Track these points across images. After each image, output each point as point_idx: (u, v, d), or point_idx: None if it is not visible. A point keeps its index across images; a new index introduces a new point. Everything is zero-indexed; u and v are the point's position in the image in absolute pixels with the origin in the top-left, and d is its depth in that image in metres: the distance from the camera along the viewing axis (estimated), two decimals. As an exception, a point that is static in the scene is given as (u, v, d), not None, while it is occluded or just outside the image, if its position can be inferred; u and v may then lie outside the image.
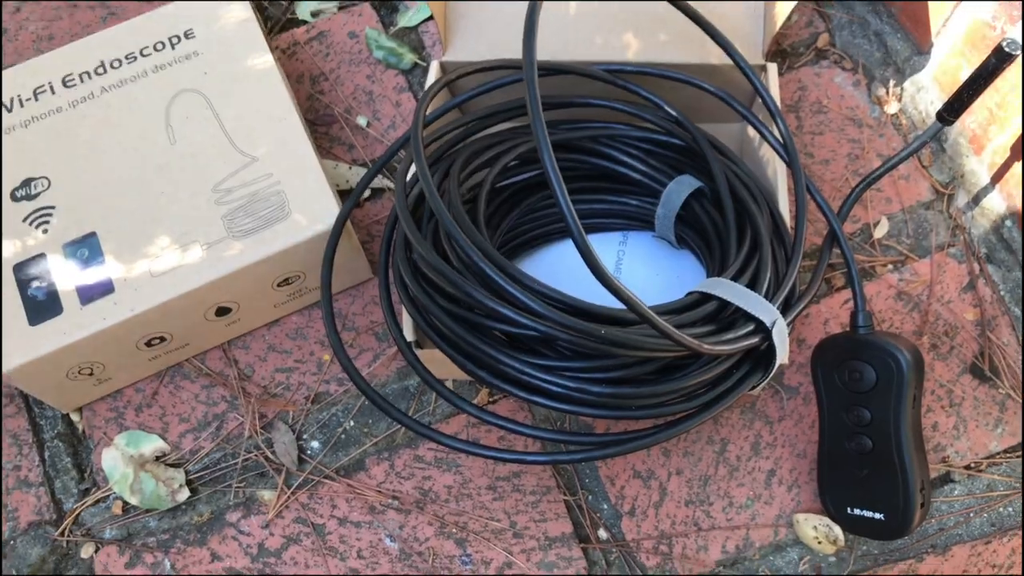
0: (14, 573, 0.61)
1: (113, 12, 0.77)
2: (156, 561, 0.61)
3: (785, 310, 0.51)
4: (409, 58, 0.74)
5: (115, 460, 0.63)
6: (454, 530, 0.61)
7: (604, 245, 0.63)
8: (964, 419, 0.61)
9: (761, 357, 0.50)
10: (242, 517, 0.62)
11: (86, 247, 0.59)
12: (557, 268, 0.62)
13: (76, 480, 0.63)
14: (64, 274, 0.58)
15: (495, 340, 0.49)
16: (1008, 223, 0.63)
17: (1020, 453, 0.61)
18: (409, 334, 0.54)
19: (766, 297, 0.50)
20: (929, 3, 0.67)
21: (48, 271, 0.58)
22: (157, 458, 0.63)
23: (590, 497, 0.62)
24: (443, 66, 0.64)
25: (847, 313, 0.64)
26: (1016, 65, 0.55)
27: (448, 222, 0.45)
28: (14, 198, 0.60)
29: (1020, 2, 0.57)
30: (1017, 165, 0.61)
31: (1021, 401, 0.61)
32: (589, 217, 0.62)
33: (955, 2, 0.63)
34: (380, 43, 0.74)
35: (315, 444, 0.63)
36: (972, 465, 0.61)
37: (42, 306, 0.57)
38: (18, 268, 0.58)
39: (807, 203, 0.55)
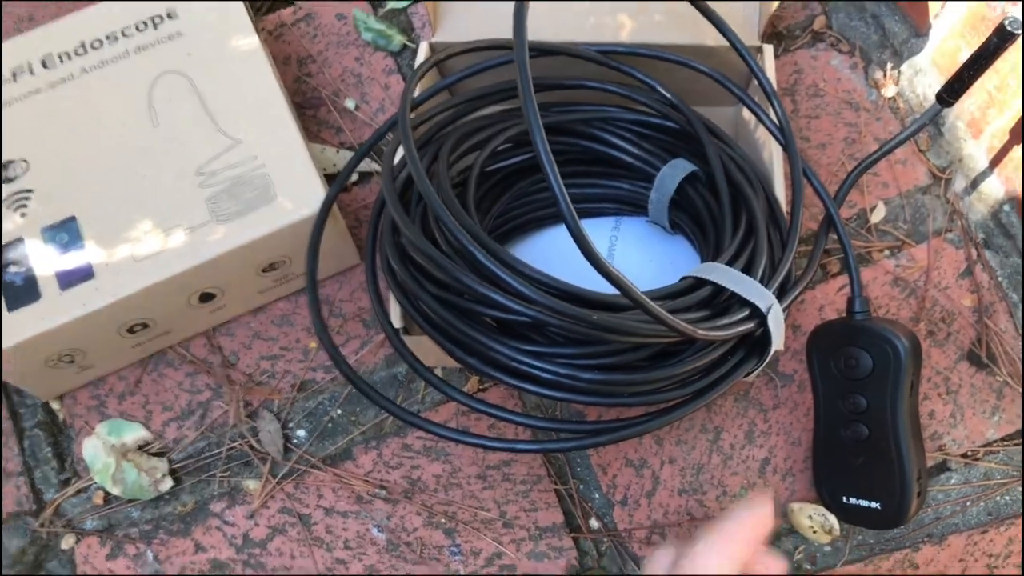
0: (-6, 564, 0.60)
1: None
2: (138, 552, 0.60)
3: (781, 295, 0.49)
4: (398, 40, 0.73)
5: (96, 449, 0.61)
6: (443, 520, 0.60)
7: (597, 230, 0.62)
8: (961, 407, 0.61)
9: (756, 343, 0.49)
10: (226, 507, 0.61)
11: (65, 231, 0.57)
12: (549, 254, 0.61)
13: (56, 470, 0.62)
14: (43, 259, 0.56)
15: (485, 326, 0.48)
16: (1006, 208, 0.62)
17: (1018, 441, 0.60)
18: (397, 321, 0.53)
19: (761, 282, 0.49)
20: (927, -16, 0.66)
21: (26, 256, 0.56)
22: (140, 447, 0.62)
23: (581, 486, 0.61)
24: (432, 47, 0.62)
25: (843, 299, 0.63)
26: (1016, 46, 0.54)
27: (436, 204, 0.44)
28: (-9, 181, 0.59)
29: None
30: (1016, 149, 0.60)
31: (1021, 389, 0.61)
32: (581, 202, 0.61)
33: (954, -17, 0.62)
34: (368, 24, 0.73)
35: (301, 433, 0.62)
36: (969, 453, 0.60)
37: (20, 292, 0.56)
38: (-5, 253, 0.57)
39: (803, 187, 0.54)
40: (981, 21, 0.60)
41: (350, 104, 0.71)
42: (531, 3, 0.41)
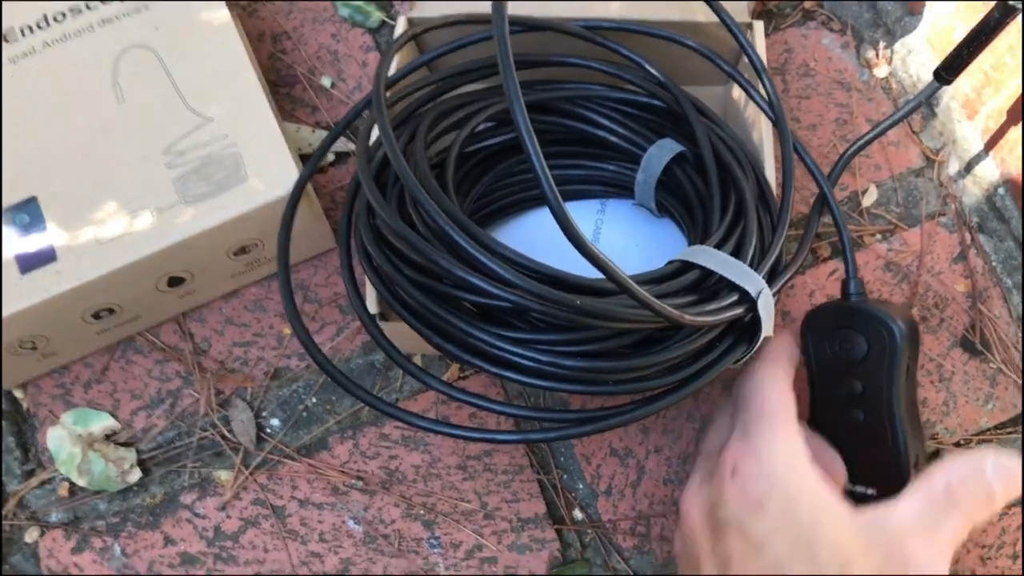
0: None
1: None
2: (105, 546, 0.58)
3: (771, 280, 0.48)
4: (376, 16, 0.70)
5: (61, 439, 0.59)
6: (422, 512, 0.58)
7: (581, 213, 0.60)
8: (954, 394, 0.59)
9: (745, 329, 0.47)
10: (197, 499, 0.59)
11: (26, 212, 0.55)
12: (532, 237, 0.59)
13: (20, 461, 0.60)
14: (2, 241, 0.54)
15: (464, 312, 0.46)
16: (1001, 191, 0.61)
17: (1011, 430, 0.59)
18: (373, 306, 0.51)
19: (751, 266, 0.47)
20: (922, -40, 0.64)
21: (-15, 238, 0.54)
22: (107, 437, 0.60)
23: (565, 476, 0.59)
24: (411, 22, 0.60)
25: (834, 285, 0.62)
26: (1015, 24, 0.53)
27: (412, 184, 0.42)
28: (-52, 160, 0.56)
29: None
30: (1012, 130, 0.58)
31: (1021, 378, 0.59)
32: (565, 184, 0.59)
33: (950, -42, 0.60)
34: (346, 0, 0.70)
35: (275, 422, 0.60)
36: (962, 442, 0.58)
37: (-22, 275, 0.53)
38: (-48, 235, 0.54)
39: (794, 168, 0.52)
40: (977, -2, 0.58)
41: (326, 82, 0.69)
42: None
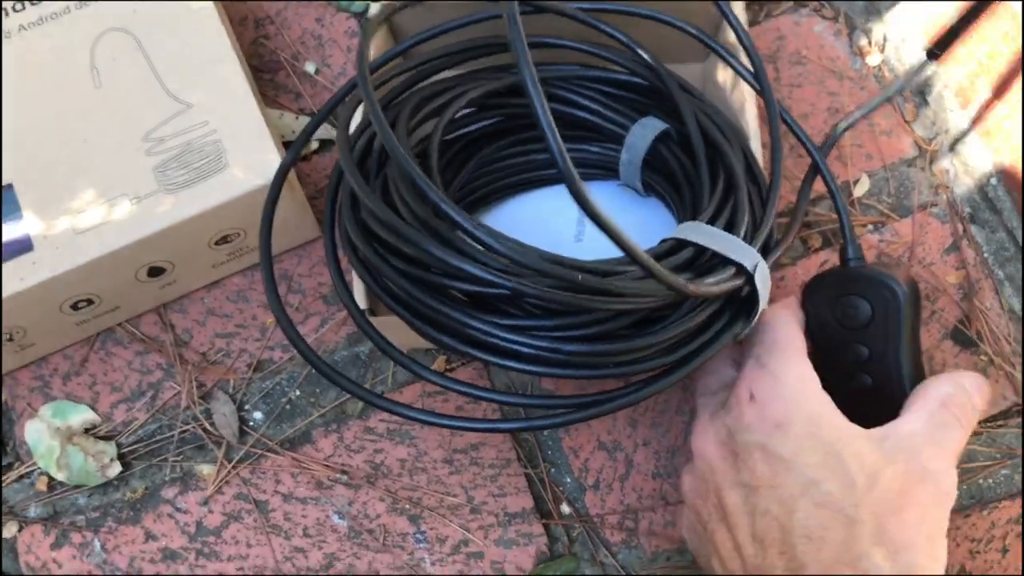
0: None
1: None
2: (85, 541, 0.57)
3: (764, 255, 0.47)
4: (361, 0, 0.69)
5: (40, 433, 0.58)
6: (407, 506, 0.57)
7: (565, 198, 0.58)
8: (945, 387, 0.59)
9: (743, 304, 0.47)
10: (179, 493, 0.58)
11: (1, 200, 0.53)
12: (515, 224, 0.58)
13: (-3, 454, 0.59)
14: (-24, 230, 0.53)
15: (456, 302, 0.45)
16: (993, 181, 0.60)
17: (1002, 423, 0.58)
18: (361, 300, 0.50)
19: (744, 241, 0.46)
20: (915, -54, 0.63)
21: (-42, 227, 0.53)
22: (86, 430, 0.59)
23: (552, 470, 0.58)
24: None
25: (825, 276, 0.61)
26: (1009, 12, 0.52)
27: (406, 162, 0.40)
28: (-80, 146, 0.55)
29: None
30: (1006, 119, 0.57)
31: (1021, 370, 0.59)
32: (548, 167, 0.57)
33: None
34: (330, -16, 0.69)
35: (258, 415, 0.59)
36: (952, 435, 0.58)
37: (-49, 265, 0.52)
38: (-76, 223, 0.53)
39: (782, 146, 0.51)
40: (972, -15, 0.57)
41: (310, 68, 0.67)
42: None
